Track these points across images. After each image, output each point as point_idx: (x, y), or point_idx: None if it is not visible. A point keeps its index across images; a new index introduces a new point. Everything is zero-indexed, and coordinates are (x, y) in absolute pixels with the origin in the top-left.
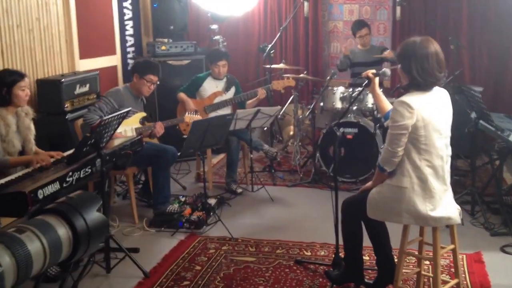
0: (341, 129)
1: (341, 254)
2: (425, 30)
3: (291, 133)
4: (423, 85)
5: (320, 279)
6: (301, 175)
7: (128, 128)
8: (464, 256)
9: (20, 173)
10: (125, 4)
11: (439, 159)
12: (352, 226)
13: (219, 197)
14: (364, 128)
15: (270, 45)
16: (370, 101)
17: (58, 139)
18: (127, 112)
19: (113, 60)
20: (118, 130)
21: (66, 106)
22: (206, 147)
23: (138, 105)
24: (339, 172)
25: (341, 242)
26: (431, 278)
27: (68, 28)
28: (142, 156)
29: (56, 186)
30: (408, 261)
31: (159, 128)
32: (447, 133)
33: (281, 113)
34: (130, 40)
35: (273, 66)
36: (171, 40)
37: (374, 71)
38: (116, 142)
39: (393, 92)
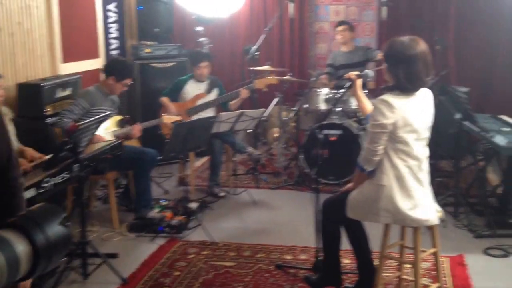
0: (325, 131)
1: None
2: (411, 30)
3: (276, 135)
4: (411, 90)
5: (300, 284)
6: (285, 178)
7: (106, 132)
8: (447, 259)
9: None
10: (109, 7)
11: (416, 160)
12: (330, 226)
13: (201, 201)
14: (348, 130)
15: (254, 47)
16: (354, 102)
17: (39, 143)
18: (107, 115)
19: (96, 64)
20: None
21: (47, 110)
22: (189, 151)
23: (108, 103)
24: (322, 174)
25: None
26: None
27: (50, 31)
28: (122, 160)
29: (31, 192)
30: (389, 264)
31: (137, 131)
32: (426, 134)
33: (265, 115)
34: (114, 43)
35: (258, 68)
36: (155, 43)
37: (357, 72)
38: (96, 146)
39: (379, 93)
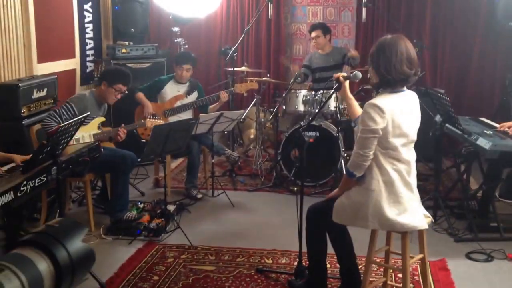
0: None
1: (304, 263)
2: (388, 32)
3: (252, 136)
4: (393, 83)
5: None
6: (262, 179)
7: (86, 134)
8: (427, 263)
9: None
10: (85, 6)
11: (405, 164)
12: (316, 234)
13: (179, 203)
14: (326, 131)
15: (233, 48)
16: (332, 104)
17: (14, 145)
18: (85, 117)
19: (72, 64)
20: (76, 136)
21: (22, 111)
22: (168, 153)
23: (100, 113)
24: (299, 176)
25: (304, 249)
26: None
27: (26, 31)
28: (100, 162)
29: (10, 196)
30: (372, 269)
31: (122, 133)
32: (413, 138)
33: (244, 116)
34: (90, 43)
35: (235, 69)
36: (131, 43)
37: (345, 74)
38: (73, 148)
39: (355, 94)
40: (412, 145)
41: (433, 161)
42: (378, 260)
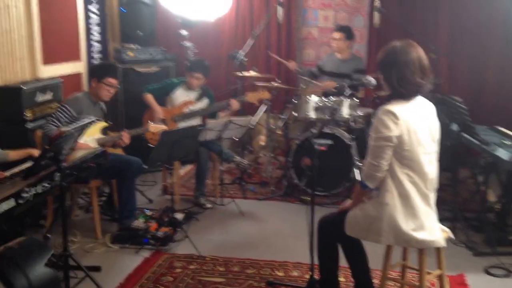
0: (315, 140)
1: (316, 276)
2: (402, 37)
3: (262, 143)
4: (406, 95)
5: None
6: (272, 188)
7: (89, 139)
8: (445, 279)
9: None
10: (91, 8)
11: (422, 176)
12: (328, 246)
13: (187, 212)
14: (339, 139)
15: (242, 52)
16: (345, 111)
17: (18, 149)
18: (90, 122)
19: (78, 67)
20: (79, 141)
21: (26, 115)
22: (175, 160)
23: (97, 112)
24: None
25: (316, 261)
26: None
27: (30, 33)
28: (106, 168)
29: (11, 203)
30: (388, 284)
31: (125, 139)
32: (432, 148)
33: (253, 123)
34: (96, 46)
35: (244, 74)
36: (138, 46)
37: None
38: (78, 154)
39: (369, 102)
40: (434, 156)
41: (449, 171)
42: (394, 275)
